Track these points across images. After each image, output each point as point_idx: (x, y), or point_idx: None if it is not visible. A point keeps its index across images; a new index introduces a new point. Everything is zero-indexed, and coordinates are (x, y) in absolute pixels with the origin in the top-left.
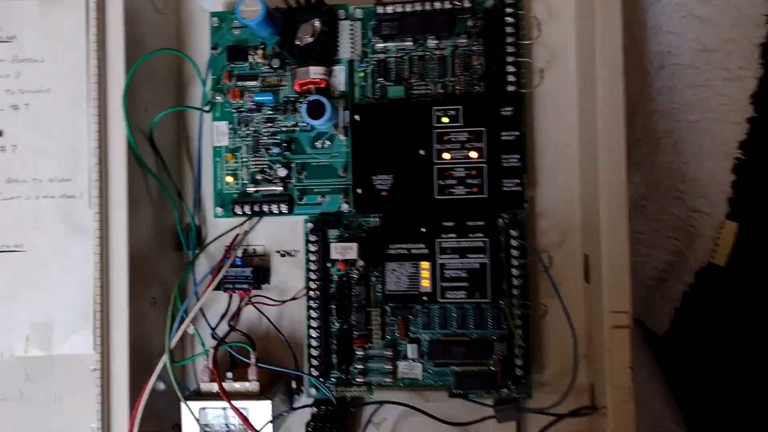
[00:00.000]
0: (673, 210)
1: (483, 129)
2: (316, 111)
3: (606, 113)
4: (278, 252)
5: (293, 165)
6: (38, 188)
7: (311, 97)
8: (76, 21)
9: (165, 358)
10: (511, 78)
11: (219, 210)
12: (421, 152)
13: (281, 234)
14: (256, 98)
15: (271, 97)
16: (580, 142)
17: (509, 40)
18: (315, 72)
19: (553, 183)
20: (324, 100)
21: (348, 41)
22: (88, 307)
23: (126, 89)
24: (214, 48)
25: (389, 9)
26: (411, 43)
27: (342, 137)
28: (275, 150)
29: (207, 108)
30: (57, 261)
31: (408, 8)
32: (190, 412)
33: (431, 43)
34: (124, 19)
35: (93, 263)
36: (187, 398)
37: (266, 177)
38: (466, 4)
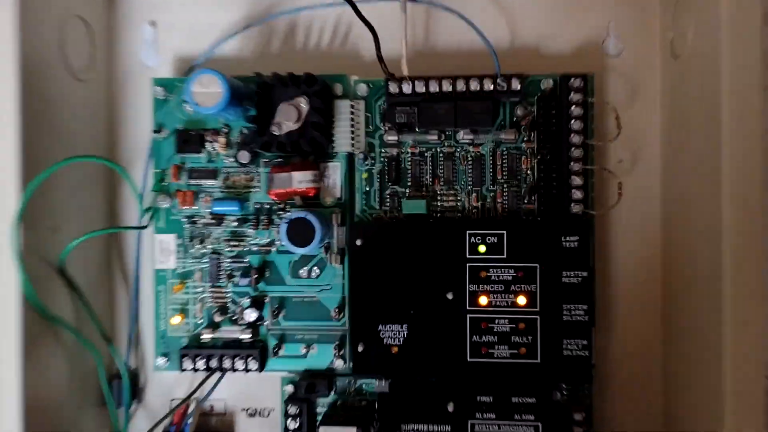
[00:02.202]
0: None
1: (536, 265)
2: (300, 235)
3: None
4: (244, 410)
5: (267, 301)
6: None
7: (293, 214)
8: None
9: None
10: (576, 193)
11: (161, 361)
12: (449, 295)
13: (249, 387)
14: (216, 207)
15: (237, 207)
16: (664, 280)
17: (575, 140)
18: (300, 179)
19: (631, 337)
20: (313, 219)
21: (347, 128)
22: None
23: (21, 211)
24: (157, 131)
25: (406, 87)
26: (435, 137)
27: (337, 265)
28: (242, 280)
29: (145, 222)
30: None
31: (432, 87)
32: None
33: (465, 137)
34: (20, 96)
35: None
36: None
37: (229, 317)
38: (515, 86)
